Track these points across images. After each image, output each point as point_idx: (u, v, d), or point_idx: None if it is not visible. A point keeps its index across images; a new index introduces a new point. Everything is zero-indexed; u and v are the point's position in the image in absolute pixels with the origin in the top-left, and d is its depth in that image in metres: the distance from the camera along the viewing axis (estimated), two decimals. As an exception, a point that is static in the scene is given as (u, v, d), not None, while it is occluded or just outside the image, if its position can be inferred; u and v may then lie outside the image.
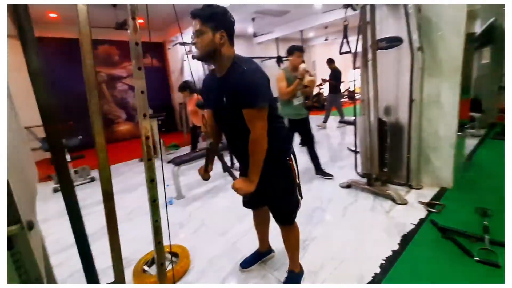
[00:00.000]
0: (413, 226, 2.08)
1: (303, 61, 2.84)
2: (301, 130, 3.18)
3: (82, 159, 4.03)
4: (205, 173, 1.51)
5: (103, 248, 1.03)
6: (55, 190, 3.56)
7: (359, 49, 2.39)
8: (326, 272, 1.71)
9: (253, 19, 6.49)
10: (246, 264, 1.81)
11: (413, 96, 2.47)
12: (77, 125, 4.70)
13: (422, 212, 2.26)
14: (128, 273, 1.80)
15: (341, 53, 2.33)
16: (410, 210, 2.33)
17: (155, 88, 7.59)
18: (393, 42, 2.36)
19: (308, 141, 3.21)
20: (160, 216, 1.21)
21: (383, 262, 1.74)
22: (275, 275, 1.73)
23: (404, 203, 2.42)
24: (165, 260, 1.24)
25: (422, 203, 2.38)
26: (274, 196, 1.45)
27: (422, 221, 2.14)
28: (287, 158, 1.38)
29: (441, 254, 1.77)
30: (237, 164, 3.50)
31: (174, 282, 1.56)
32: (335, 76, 6.18)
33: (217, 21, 1.17)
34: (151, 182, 1.16)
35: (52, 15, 5.27)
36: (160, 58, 7.77)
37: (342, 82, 6.62)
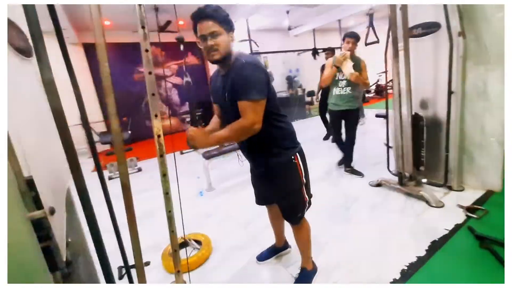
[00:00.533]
0: (446, 232, 1.90)
1: (350, 49, 2.72)
2: (340, 123, 3.03)
3: (130, 151, 4.51)
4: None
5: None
6: (109, 178, 3.94)
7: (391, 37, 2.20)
8: (340, 273, 1.67)
9: (287, 11, 6.36)
10: (262, 257, 1.86)
11: (452, 88, 2.19)
12: (128, 121, 5.31)
13: (459, 217, 2.04)
14: (158, 255, 1.99)
15: (366, 44, 2.18)
16: (446, 214, 2.12)
17: (196, 85, 8.01)
18: (430, 28, 2.13)
19: (348, 138, 3.05)
20: (173, 207, 1.33)
21: (405, 268, 1.63)
22: (288, 271, 1.75)
23: (439, 205, 2.20)
24: (178, 247, 1.36)
25: (461, 207, 2.14)
26: (275, 195, 1.46)
27: (457, 227, 1.94)
28: (293, 157, 1.35)
29: (472, 265, 1.60)
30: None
31: (188, 269, 1.68)
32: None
33: (229, 22, 1.20)
34: (164, 176, 1.28)
35: (106, 22, 5.90)
36: (200, 57, 8.13)
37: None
